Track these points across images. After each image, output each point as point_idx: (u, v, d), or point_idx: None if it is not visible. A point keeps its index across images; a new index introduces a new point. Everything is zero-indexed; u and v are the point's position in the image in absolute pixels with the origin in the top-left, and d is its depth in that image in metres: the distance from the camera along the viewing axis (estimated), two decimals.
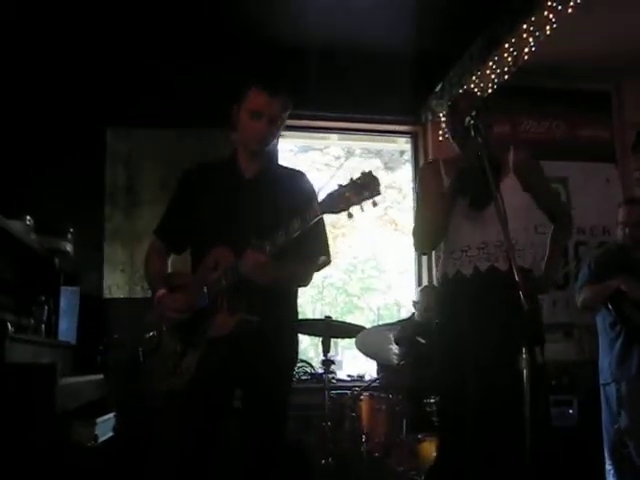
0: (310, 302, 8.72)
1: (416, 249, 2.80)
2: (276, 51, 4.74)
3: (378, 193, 2.11)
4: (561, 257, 2.97)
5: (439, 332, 2.81)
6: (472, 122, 2.59)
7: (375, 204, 2.12)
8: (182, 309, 2.36)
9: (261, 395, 2.39)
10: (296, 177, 2.60)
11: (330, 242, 2.54)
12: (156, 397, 2.68)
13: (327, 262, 2.52)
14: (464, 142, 2.68)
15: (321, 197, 2.17)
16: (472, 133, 2.57)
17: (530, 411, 2.16)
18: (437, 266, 2.85)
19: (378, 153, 7.47)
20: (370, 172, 2.13)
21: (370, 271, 9.30)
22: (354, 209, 2.12)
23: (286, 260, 2.30)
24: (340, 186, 2.13)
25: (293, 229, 2.19)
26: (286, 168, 2.69)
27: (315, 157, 8.56)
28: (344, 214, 2.13)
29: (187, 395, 2.36)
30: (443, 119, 2.99)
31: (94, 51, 4.66)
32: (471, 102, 2.77)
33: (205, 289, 2.33)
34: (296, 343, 2.58)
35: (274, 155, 2.61)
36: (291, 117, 5.23)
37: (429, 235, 2.77)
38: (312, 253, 2.45)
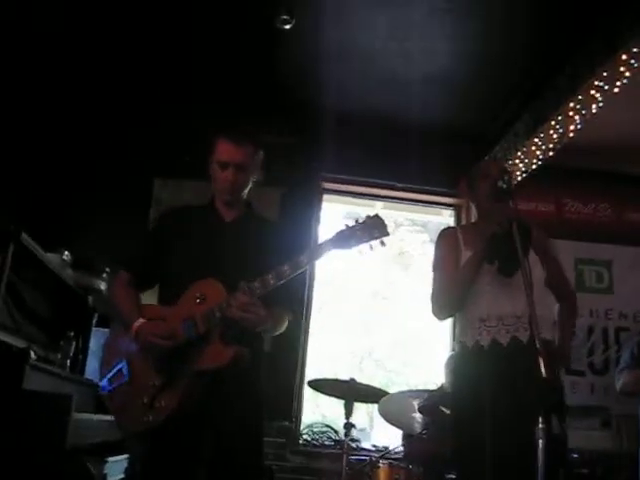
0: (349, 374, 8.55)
1: (435, 315, 2.77)
2: (324, 116, 4.87)
3: (386, 234, 2.25)
4: (572, 335, 2.92)
5: (456, 403, 2.73)
6: (505, 186, 2.60)
7: (383, 244, 2.25)
8: (166, 336, 2.33)
9: (239, 429, 2.35)
10: (276, 224, 2.72)
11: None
12: (135, 438, 2.62)
13: (292, 317, 2.58)
14: (492, 208, 2.66)
15: (331, 235, 2.27)
16: (504, 197, 2.57)
17: None
18: (455, 334, 2.80)
19: (425, 226, 7.50)
20: (376, 215, 2.27)
21: (412, 346, 9.11)
22: (363, 247, 2.24)
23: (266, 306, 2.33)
24: (349, 226, 2.26)
25: (284, 274, 2.26)
26: (264, 216, 2.73)
27: None
28: (354, 250, 2.24)
29: (166, 431, 2.30)
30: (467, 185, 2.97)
31: (147, 105, 4.90)
32: (501, 168, 2.79)
33: (192, 320, 2.32)
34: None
35: (252, 203, 2.66)
36: (335, 181, 5.37)
37: (447, 303, 2.75)
38: (289, 303, 2.52)
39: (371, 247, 2.24)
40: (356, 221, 2.25)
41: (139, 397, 2.35)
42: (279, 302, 2.42)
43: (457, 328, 2.81)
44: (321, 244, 2.28)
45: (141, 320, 2.40)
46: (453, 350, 2.67)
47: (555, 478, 2.41)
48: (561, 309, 2.89)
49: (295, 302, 2.63)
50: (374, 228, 2.23)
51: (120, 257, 2.64)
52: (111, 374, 2.48)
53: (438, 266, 2.80)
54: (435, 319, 2.79)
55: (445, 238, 2.87)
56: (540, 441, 2.09)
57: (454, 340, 2.83)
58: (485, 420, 2.46)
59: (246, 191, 2.58)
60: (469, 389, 2.61)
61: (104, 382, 2.49)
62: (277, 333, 2.53)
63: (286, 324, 2.55)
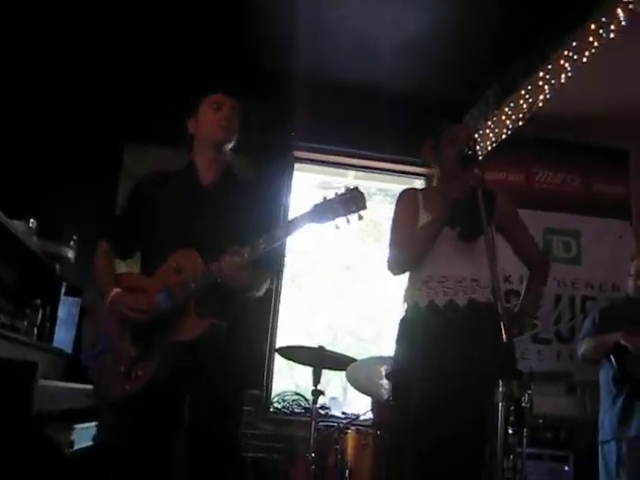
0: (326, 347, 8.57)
1: (389, 270, 2.77)
2: (297, 85, 4.83)
3: (364, 207, 2.19)
4: (539, 298, 2.94)
5: (408, 363, 2.67)
6: (470, 153, 2.60)
7: (361, 217, 2.20)
8: (143, 309, 2.32)
9: (214, 399, 2.36)
10: (254, 190, 2.62)
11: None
12: (111, 405, 2.63)
13: (280, 270, 2.55)
14: (456, 174, 2.66)
15: (307, 208, 2.21)
16: (469, 164, 2.58)
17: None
18: (404, 296, 2.80)
19: (395, 196, 7.49)
20: (356, 187, 2.22)
21: (384, 316, 9.17)
22: (341, 221, 2.19)
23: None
24: (326, 199, 2.20)
25: (259, 248, 2.23)
26: (242, 176, 2.67)
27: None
28: (331, 224, 2.19)
29: (143, 400, 2.32)
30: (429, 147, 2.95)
31: (118, 71, 4.82)
32: (470, 134, 2.79)
33: (169, 291, 2.30)
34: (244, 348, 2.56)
35: (231, 164, 2.60)
36: (307, 150, 5.34)
37: (402, 262, 2.75)
38: (270, 266, 2.47)
39: (348, 221, 2.19)
40: (335, 194, 2.19)
41: (117, 367, 2.36)
42: (262, 264, 2.37)
43: (408, 288, 2.77)
44: (297, 218, 2.24)
45: (116, 290, 2.38)
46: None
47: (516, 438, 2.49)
48: (532, 276, 2.90)
49: (277, 265, 2.57)
50: (352, 201, 2.17)
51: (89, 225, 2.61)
52: (92, 344, 2.47)
53: (395, 225, 2.80)
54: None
55: (405, 198, 2.88)
56: (500, 404, 2.15)
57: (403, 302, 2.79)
58: (441, 381, 2.47)
59: (229, 146, 2.53)
60: (423, 348, 2.58)
61: (84, 353, 2.48)
62: (258, 295, 2.52)
63: (267, 286, 2.53)
